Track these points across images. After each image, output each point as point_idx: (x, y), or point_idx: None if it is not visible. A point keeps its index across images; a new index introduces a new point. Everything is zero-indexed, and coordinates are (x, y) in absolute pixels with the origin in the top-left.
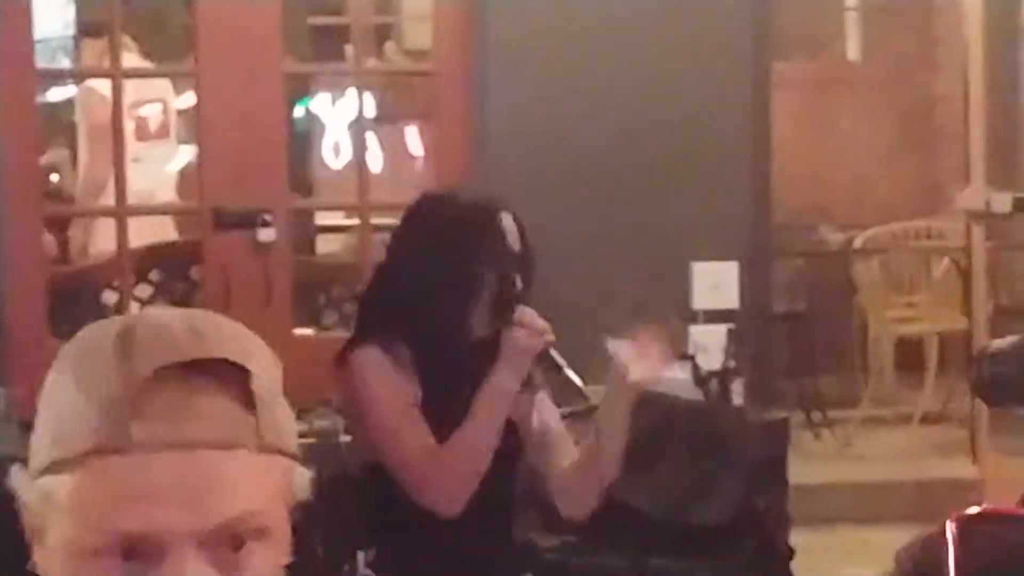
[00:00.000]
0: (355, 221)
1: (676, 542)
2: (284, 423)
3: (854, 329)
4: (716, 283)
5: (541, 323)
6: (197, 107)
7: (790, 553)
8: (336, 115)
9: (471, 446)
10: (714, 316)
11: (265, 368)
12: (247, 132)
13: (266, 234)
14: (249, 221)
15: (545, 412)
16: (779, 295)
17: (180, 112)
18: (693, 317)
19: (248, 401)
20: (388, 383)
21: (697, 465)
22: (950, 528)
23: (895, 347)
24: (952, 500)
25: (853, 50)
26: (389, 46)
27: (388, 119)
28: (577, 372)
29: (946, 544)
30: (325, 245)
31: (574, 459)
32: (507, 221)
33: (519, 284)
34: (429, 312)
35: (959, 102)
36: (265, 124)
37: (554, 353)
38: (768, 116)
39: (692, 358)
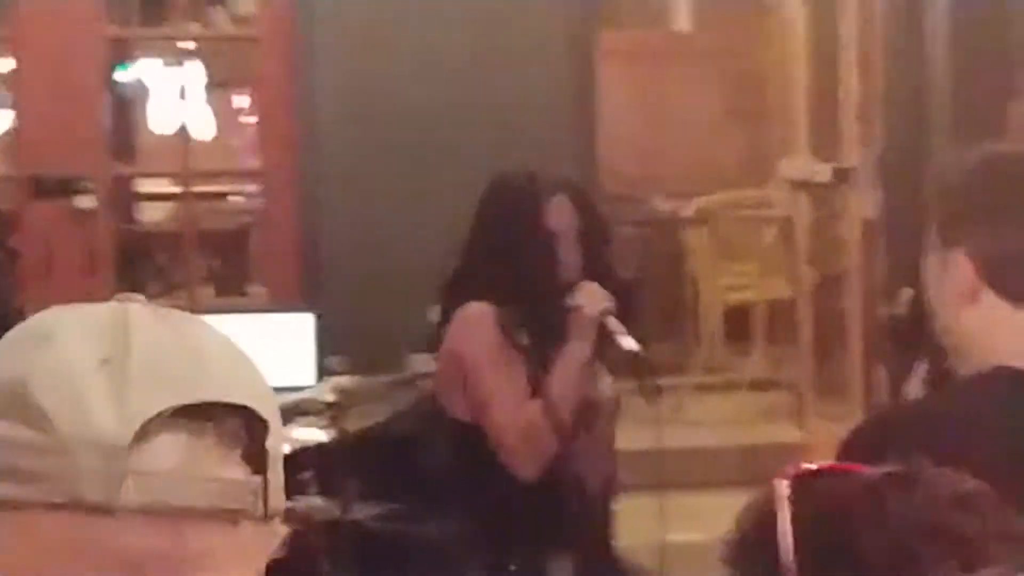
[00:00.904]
0: (180, 188)
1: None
2: (280, 477)
3: (685, 297)
4: None
5: (601, 293)
6: (15, 72)
7: None
8: (163, 81)
9: (550, 412)
10: None
11: (274, 413)
12: (66, 98)
13: (85, 201)
14: (68, 189)
15: None
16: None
17: None
18: None
19: (258, 460)
20: (491, 342)
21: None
22: (782, 486)
23: (725, 315)
24: (778, 464)
25: (684, 21)
26: (217, 11)
27: (218, 86)
28: (406, 342)
29: (779, 501)
30: (149, 213)
31: None
32: (555, 203)
33: (563, 260)
34: (515, 287)
35: (783, 73)
36: (85, 90)
37: (610, 321)
38: (593, 86)
39: None
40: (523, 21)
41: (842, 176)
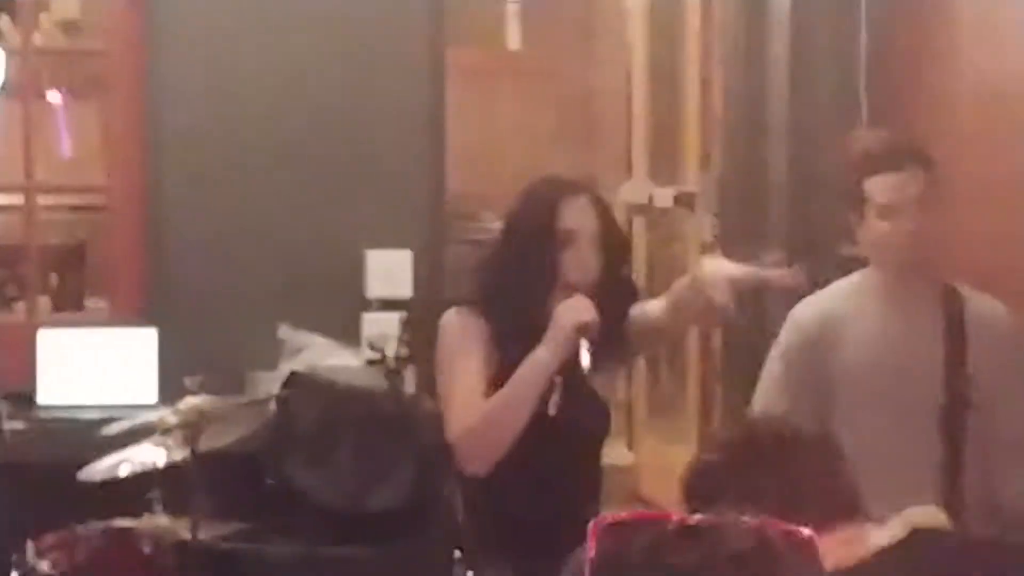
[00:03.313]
0: (15, 200)
1: (350, 530)
2: None
3: None
4: (389, 271)
5: (581, 303)
6: None
7: None
8: None
9: (498, 412)
10: (388, 304)
11: None
12: None
13: None
14: None
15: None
16: (448, 283)
17: None
18: (367, 305)
19: None
20: (458, 346)
21: (370, 452)
22: (591, 533)
23: None
24: (609, 485)
25: (514, 40)
26: (44, 17)
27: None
28: (250, 359)
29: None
30: None
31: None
32: (574, 204)
33: (566, 264)
34: (502, 290)
35: (616, 96)
36: None
37: (584, 336)
38: (444, 102)
39: (381, 350)
40: (374, 38)
41: (683, 201)
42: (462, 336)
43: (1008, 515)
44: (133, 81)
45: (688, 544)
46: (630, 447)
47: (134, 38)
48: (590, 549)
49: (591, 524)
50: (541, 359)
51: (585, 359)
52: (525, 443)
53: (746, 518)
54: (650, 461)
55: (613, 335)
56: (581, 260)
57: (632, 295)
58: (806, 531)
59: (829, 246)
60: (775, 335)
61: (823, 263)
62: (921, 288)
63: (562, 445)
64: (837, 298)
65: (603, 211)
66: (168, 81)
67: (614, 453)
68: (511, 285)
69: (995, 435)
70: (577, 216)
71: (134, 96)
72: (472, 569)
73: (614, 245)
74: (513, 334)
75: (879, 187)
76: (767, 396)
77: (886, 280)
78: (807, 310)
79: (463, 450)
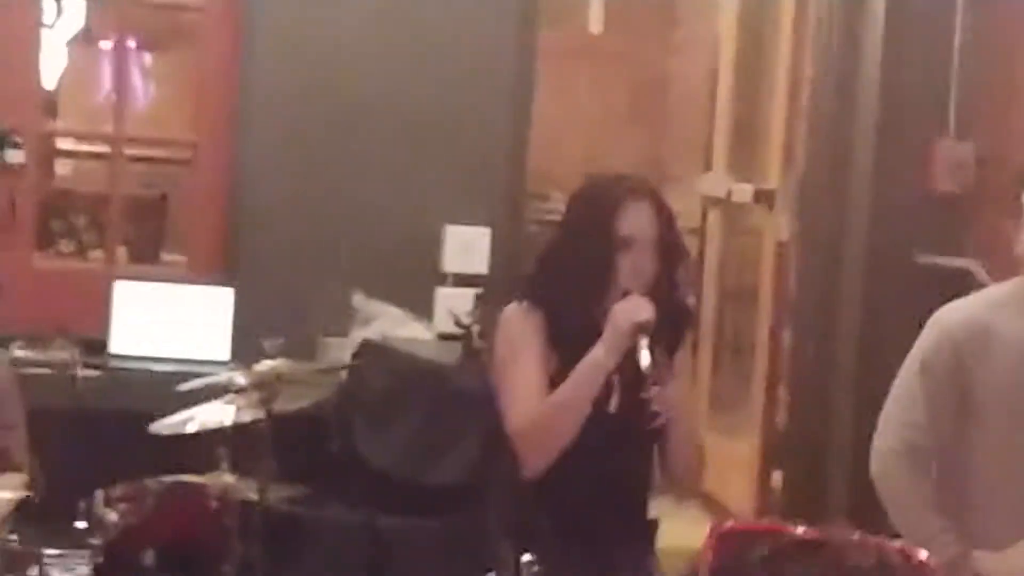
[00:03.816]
0: (98, 148)
1: (410, 500)
2: None
3: None
4: (467, 247)
5: (639, 303)
6: None
7: None
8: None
9: (556, 411)
10: (463, 280)
11: None
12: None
13: (15, 156)
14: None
15: None
16: (524, 261)
17: None
18: (442, 279)
19: None
20: (518, 342)
21: (436, 426)
22: (708, 542)
23: None
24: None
25: (596, 23)
26: None
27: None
28: (323, 324)
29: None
30: (65, 170)
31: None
32: (634, 209)
33: (622, 269)
34: (560, 289)
35: (692, 83)
36: (19, 44)
37: (642, 336)
38: (532, 84)
39: (467, 325)
40: (464, 16)
41: (763, 197)
42: (522, 332)
43: None
44: (227, 37)
45: (808, 557)
46: None
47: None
48: (707, 555)
49: (709, 531)
50: (597, 359)
51: (645, 358)
52: (585, 440)
53: (865, 536)
54: (711, 456)
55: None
56: (637, 266)
57: (685, 305)
58: (923, 553)
59: (907, 254)
60: (844, 342)
61: (900, 271)
62: None
63: (621, 443)
64: (986, 305)
65: (664, 217)
66: (261, 40)
67: None
68: (569, 286)
69: None
70: (637, 222)
71: (227, 52)
72: (529, 551)
73: (671, 251)
74: (570, 334)
75: None
76: (901, 404)
77: None
78: (954, 315)
79: (520, 448)
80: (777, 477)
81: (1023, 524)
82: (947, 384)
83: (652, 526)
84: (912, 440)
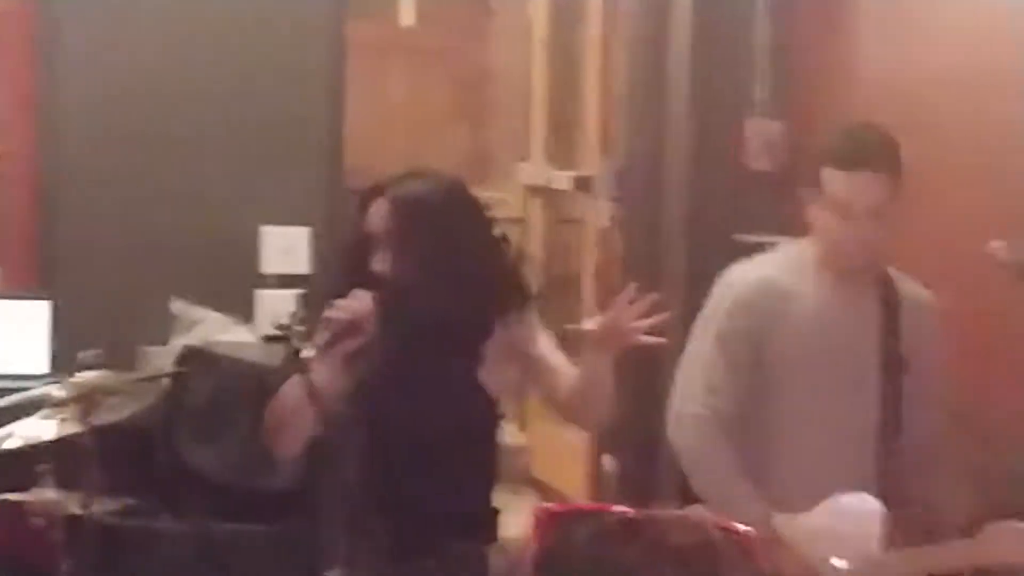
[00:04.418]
0: None
1: (239, 507)
2: None
3: None
4: (286, 248)
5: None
6: None
7: None
8: None
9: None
10: (284, 281)
11: None
12: None
13: None
14: None
15: (540, 340)
16: None
17: None
18: (261, 282)
19: None
20: None
21: (262, 430)
22: (534, 524)
23: None
24: (502, 466)
25: (407, 16)
26: None
27: None
28: (143, 334)
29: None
30: None
31: (572, 381)
32: (378, 205)
33: (375, 265)
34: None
35: (512, 75)
36: None
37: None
38: (343, 79)
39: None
40: (272, 11)
41: (582, 185)
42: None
43: (934, 511)
44: (26, 44)
45: (631, 537)
46: (522, 428)
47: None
48: (533, 540)
49: (534, 514)
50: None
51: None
52: (420, 435)
53: (686, 513)
54: (542, 443)
55: (495, 334)
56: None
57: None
58: (745, 528)
59: (726, 234)
60: (668, 324)
61: (721, 251)
62: (861, 270)
63: (446, 437)
64: (777, 268)
65: (402, 211)
66: (64, 46)
67: (506, 434)
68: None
69: (920, 419)
70: (374, 217)
71: (25, 60)
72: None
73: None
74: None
75: (839, 183)
76: (700, 368)
77: (827, 260)
78: (747, 275)
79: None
80: (609, 461)
81: (823, 487)
82: (744, 347)
83: (492, 516)
84: (713, 404)
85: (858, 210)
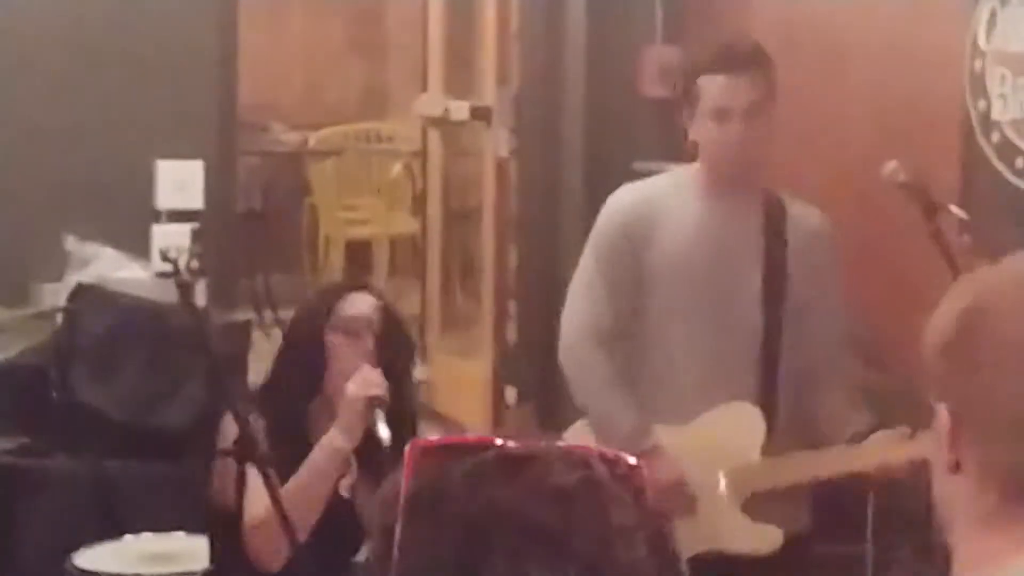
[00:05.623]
0: None
1: (136, 444)
2: None
3: (305, 229)
4: (181, 182)
5: (373, 378)
6: None
7: None
8: None
9: (288, 505)
10: (178, 215)
11: None
12: None
13: None
14: None
15: None
16: (240, 194)
17: None
18: (157, 216)
19: None
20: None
21: (159, 367)
22: (406, 458)
23: (347, 248)
24: None
25: None
26: None
27: None
28: (35, 270)
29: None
30: None
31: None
32: (350, 301)
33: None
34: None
35: (407, 8)
36: None
37: (378, 410)
38: (236, 12)
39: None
40: None
41: (479, 114)
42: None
43: (821, 427)
44: None
45: (510, 473)
46: (423, 362)
47: None
48: (405, 476)
49: (407, 448)
50: (331, 441)
51: (384, 431)
52: (320, 526)
53: (568, 445)
54: (443, 376)
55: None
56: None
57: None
58: (631, 459)
59: (624, 162)
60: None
61: (619, 180)
62: (744, 188)
63: (358, 528)
64: (657, 188)
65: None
66: None
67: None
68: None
69: (809, 338)
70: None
71: None
72: None
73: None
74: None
75: (714, 88)
76: (583, 288)
77: (710, 177)
78: (625, 196)
79: (255, 546)
80: (511, 393)
81: (703, 399)
82: (620, 265)
83: None
84: (594, 322)
85: (734, 110)
